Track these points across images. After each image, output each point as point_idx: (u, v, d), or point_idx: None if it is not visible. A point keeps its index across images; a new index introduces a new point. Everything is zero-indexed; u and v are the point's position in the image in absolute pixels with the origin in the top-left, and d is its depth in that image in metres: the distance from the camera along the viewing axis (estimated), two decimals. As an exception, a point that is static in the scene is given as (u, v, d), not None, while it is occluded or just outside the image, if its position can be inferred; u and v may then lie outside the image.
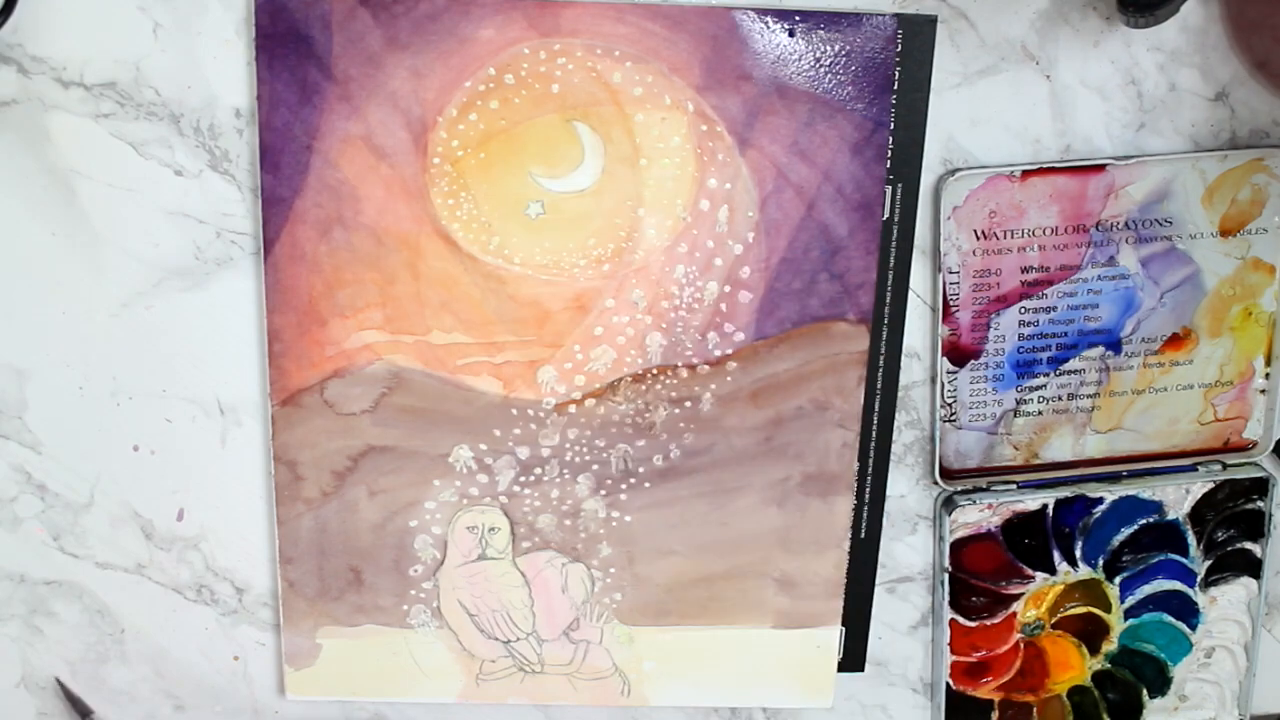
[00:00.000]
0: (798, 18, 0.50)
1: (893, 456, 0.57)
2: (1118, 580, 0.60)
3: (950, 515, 0.57)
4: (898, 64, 0.51)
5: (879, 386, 0.55)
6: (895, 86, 0.51)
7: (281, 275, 0.51)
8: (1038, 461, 0.58)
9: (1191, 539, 0.59)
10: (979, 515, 0.58)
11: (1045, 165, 0.53)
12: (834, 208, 0.52)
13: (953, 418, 0.57)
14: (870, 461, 0.57)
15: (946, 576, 0.58)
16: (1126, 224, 0.55)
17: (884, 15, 0.50)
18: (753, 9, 0.50)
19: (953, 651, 0.60)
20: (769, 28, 0.50)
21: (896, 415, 0.56)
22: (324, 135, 0.50)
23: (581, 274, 0.52)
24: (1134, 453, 0.59)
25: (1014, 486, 0.58)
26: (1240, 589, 0.61)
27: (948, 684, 0.60)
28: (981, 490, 0.58)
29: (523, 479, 0.55)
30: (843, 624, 0.59)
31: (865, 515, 0.57)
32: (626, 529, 0.56)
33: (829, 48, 0.50)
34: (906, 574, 0.60)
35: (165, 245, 0.51)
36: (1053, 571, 0.59)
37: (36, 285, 0.51)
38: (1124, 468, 0.59)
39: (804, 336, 0.54)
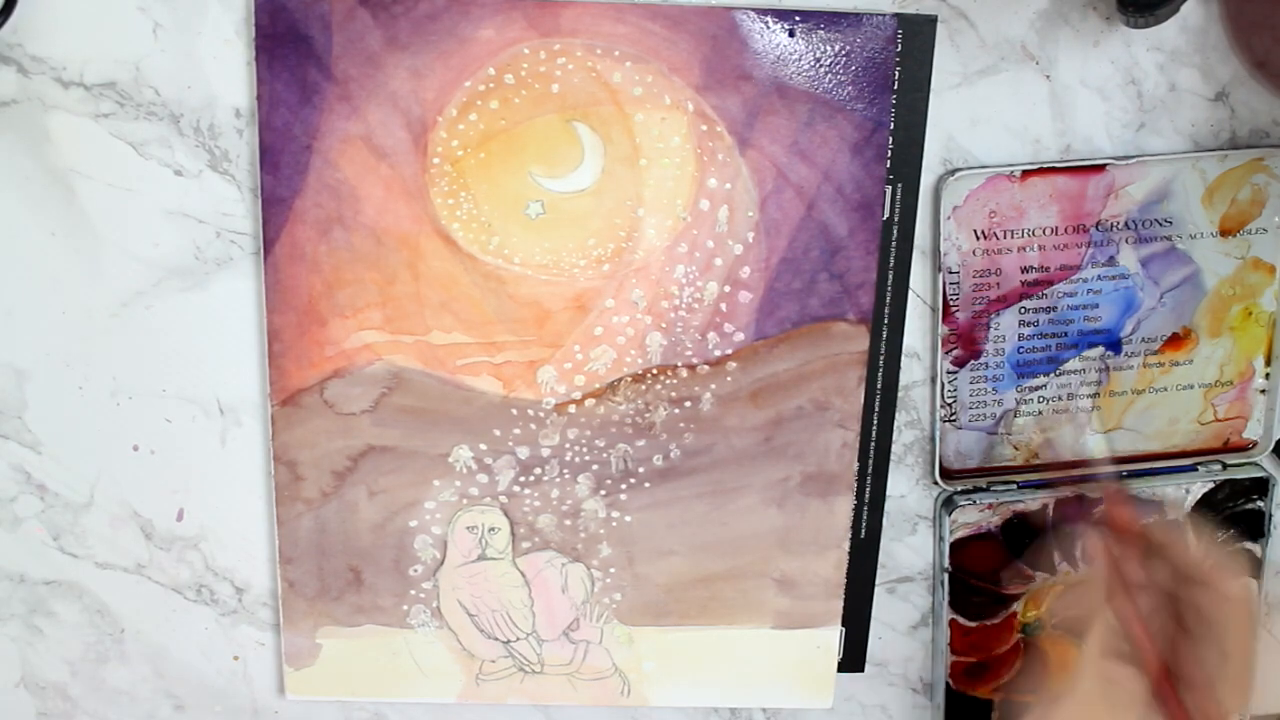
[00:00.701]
0: (798, 18, 0.50)
1: (893, 456, 0.57)
2: (1118, 580, 0.60)
3: (950, 515, 0.57)
4: (898, 64, 0.51)
5: (879, 386, 0.55)
6: (895, 86, 0.51)
7: (281, 275, 0.51)
8: (1038, 461, 0.58)
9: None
10: (979, 515, 0.58)
11: (1045, 165, 0.53)
12: (834, 208, 0.52)
13: (953, 418, 0.57)
14: (870, 461, 0.57)
15: (946, 576, 0.58)
16: (1126, 224, 0.55)
17: (884, 15, 0.50)
18: (753, 9, 0.50)
19: (953, 651, 0.60)
20: (769, 28, 0.50)
21: (896, 415, 0.56)
22: (324, 135, 0.50)
23: (581, 274, 0.52)
24: (1134, 453, 0.59)
25: (1014, 486, 0.58)
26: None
27: (948, 684, 0.60)
28: (981, 490, 0.58)
29: (523, 479, 0.55)
30: (843, 624, 0.59)
31: (865, 515, 0.57)
32: (626, 529, 0.56)
33: (829, 48, 0.50)
34: (906, 574, 0.60)
35: (165, 245, 0.51)
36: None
37: (36, 285, 0.51)
38: (1124, 468, 0.59)
39: (804, 336, 0.54)
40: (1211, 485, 0.59)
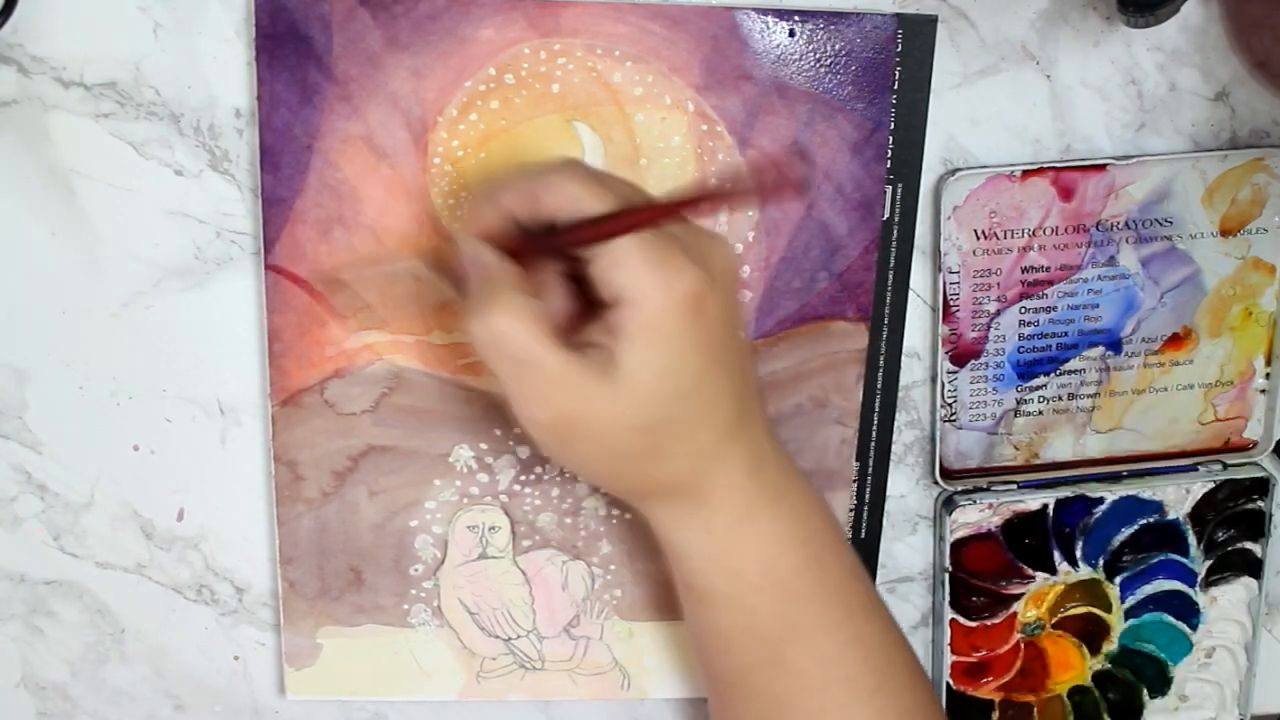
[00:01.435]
0: (798, 18, 0.50)
1: (893, 456, 0.57)
2: (1118, 580, 0.60)
3: (950, 515, 0.57)
4: (898, 64, 0.51)
5: (879, 386, 0.55)
6: (895, 86, 0.51)
7: (282, 275, 0.51)
8: (1038, 461, 0.58)
9: (1192, 539, 0.59)
10: (979, 515, 0.58)
11: (1045, 165, 0.53)
12: (834, 207, 0.52)
13: (953, 418, 0.57)
14: (870, 461, 0.57)
15: (947, 576, 0.58)
16: (1126, 224, 0.55)
17: (884, 15, 0.50)
18: (753, 9, 0.50)
19: (953, 651, 0.60)
20: (769, 28, 0.50)
21: (896, 415, 0.56)
22: (324, 135, 0.49)
23: (581, 274, 0.52)
24: (1134, 453, 0.59)
25: (1014, 486, 0.58)
26: (1240, 589, 0.61)
27: (948, 684, 0.60)
28: (982, 490, 0.58)
29: (523, 478, 0.55)
30: (843, 624, 0.59)
31: (865, 515, 0.57)
32: (626, 526, 0.56)
33: (829, 48, 0.50)
34: (906, 574, 0.60)
35: (165, 245, 0.51)
36: (1053, 571, 0.59)
37: (36, 285, 0.51)
38: (1124, 468, 0.59)
39: (803, 335, 0.54)
40: (1211, 485, 0.59)
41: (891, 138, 0.52)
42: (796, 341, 0.54)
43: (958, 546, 0.58)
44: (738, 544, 0.46)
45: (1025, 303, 0.55)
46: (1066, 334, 0.56)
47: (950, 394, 0.56)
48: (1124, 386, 0.57)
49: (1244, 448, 0.59)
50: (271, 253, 0.51)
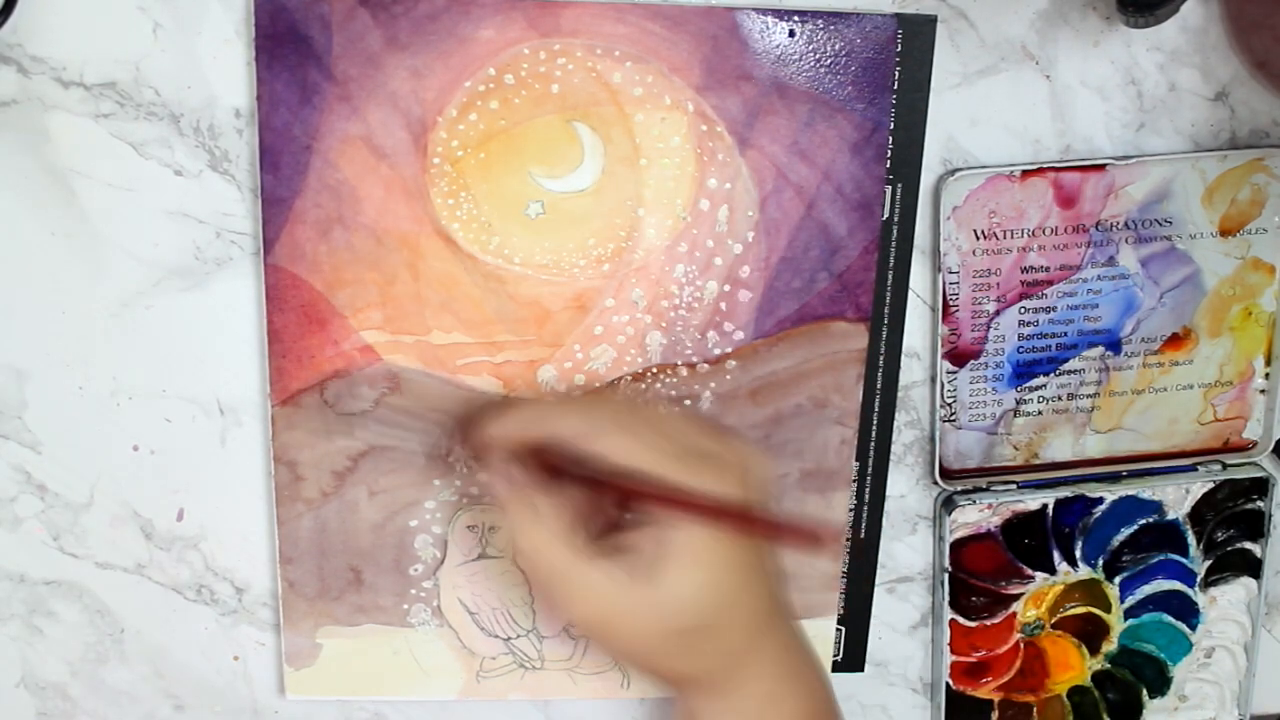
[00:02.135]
0: (798, 18, 0.50)
1: (893, 456, 0.57)
2: (1118, 580, 0.60)
3: (950, 515, 0.57)
4: (898, 64, 0.51)
5: (879, 386, 0.55)
6: (895, 86, 0.51)
7: (281, 275, 0.51)
8: (1038, 461, 0.58)
9: (1191, 539, 0.60)
10: (979, 515, 0.58)
11: (1045, 165, 0.53)
12: (834, 207, 0.52)
13: (953, 418, 0.57)
14: (870, 461, 0.57)
15: (946, 576, 0.58)
16: (1126, 224, 0.55)
17: (884, 15, 0.50)
18: (753, 9, 0.50)
19: (953, 651, 0.60)
20: (769, 28, 0.50)
21: (896, 415, 0.56)
22: (324, 135, 0.49)
23: (581, 274, 0.52)
24: (1134, 453, 0.59)
25: (1014, 486, 0.58)
26: (1240, 589, 0.61)
27: (948, 684, 0.60)
28: (981, 490, 0.58)
29: (523, 478, 0.55)
30: (842, 624, 0.59)
31: (865, 515, 0.57)
32: (626, 529, 0.56)
33: (829, 48, 0.50)
34: (906, 574, 0.60)
35: (165, 245, 0.51)
36: (1053, 571, 0.59)
37: (36, 285, 0.51)
38: (1124, 468, 0.59)
39: (803, 335, 0.54)
40: (1211, 485, 0.59)
41: (891, 138, 0.52)
42: (796, 342, 0.54)
43: (957, 546, 0.58)
44: None
45: (1025, 303, 0.55)
46: (1066, 334, 0.56)
47: (950, 394, 0.56)
48: (1123, 386, 0.57)
49: (1244, 448, 0.59)
50: (271, 253, 0.51)
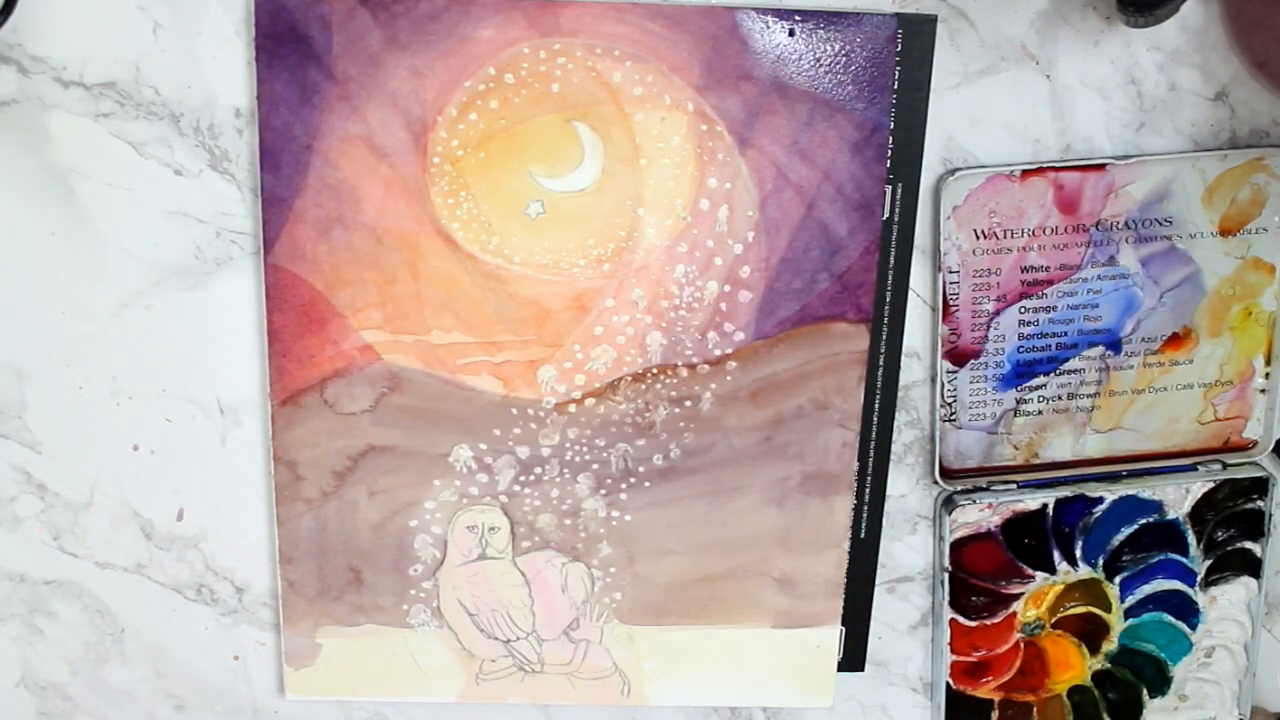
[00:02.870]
0: (798, 17, 0.50)
1: (893, 456, 0.57)
2: (1118, 580, 0.60)
3: (950, 515, 0.57)
4: (898, 64, 0.51)
5: (879, 386, 0.55)
6: (895, 86, 0.51)
7: (281, 275, 0.51)
8: (1038, 461, 0.58)
9: (1191, 539, 0.59)
10: (979, 515, 0.58)
11: (1045, 165, 0.53)
12: (834, 207, 0.52)
13: (953, 417, 0.57)
14: (870, 461, 0.57)
15: (946, 576, 0.58)
16: (1126, 224, 0.55)
17: (884, 15, 0.50)
18: (753, 9, 0.50)
19: (953, 651, 0.60)
20: (769, 28, 0.50)
21: (896, 415, 0.56)
22: (324, 135, 0.49)
23: (581, 274, 0.52)
24: (1134, 452, 0.59)
25: (1014, 486, 0.58)
26: (1240, 589, 0.61)
27: (948, 684, 0.60)
28: (981, 490, 0.58)
29: (523, 478, 0.55)
30: (843, 624, 0.59)
31: (865, 515, 0.57)
32: (626, 528, 0.56)
33: (829, 48, 0.50)
34: (906, 574, 0.60)
35: (165, 245, 0.51)
36: (1053, 571, 0.59)
37: (36, 285, 0.51)
38: (1124, 467, 0.59)
39: (804, 336, 0.54)
40: (1211, 485, 0.59)
41: (891, 138, 0.52)
42: (797, 343, 0.54)
43: (957, 546, 0.58)
44: None
45: (1025, 302, 0.55)
46: (1066, 334, 0.56)
47: (950, 394, 0.56)
48: (1124, 386, 0.57)
49: (1244, 447, 0.59)
50: (271, 252, 0.51)
